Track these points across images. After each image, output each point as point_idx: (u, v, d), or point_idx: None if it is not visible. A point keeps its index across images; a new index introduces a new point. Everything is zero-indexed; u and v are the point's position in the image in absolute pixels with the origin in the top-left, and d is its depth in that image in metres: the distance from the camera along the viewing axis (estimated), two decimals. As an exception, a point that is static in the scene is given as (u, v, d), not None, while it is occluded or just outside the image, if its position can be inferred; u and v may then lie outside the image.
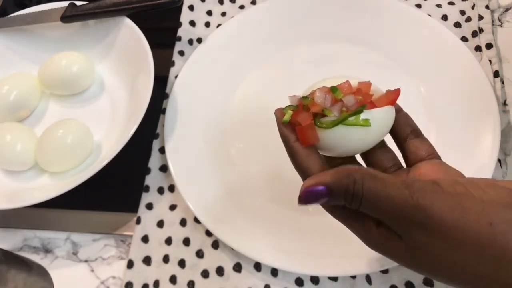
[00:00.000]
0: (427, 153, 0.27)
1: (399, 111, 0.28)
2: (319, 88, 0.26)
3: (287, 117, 0.27)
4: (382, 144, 0.29)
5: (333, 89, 0.26)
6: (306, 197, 0.25)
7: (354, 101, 0.26)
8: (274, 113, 0.28)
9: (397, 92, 0.27)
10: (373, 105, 0.26)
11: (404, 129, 0.28)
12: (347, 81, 0.27)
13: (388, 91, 0.27)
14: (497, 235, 0.20)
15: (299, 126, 0.26)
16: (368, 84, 0.27)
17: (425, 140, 0.28)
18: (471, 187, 0.22)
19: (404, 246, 0.23)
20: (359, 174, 0.23)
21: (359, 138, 0.26)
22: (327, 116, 0.26)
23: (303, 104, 0.27)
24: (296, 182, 0.41)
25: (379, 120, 0.26)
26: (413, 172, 0.27)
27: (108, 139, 0.45)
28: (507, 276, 0.21)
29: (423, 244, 0.22)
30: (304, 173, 0.27)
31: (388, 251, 0.25)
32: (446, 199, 0.21)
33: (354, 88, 0.27)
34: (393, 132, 0.28)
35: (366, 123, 0.25)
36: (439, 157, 0.28)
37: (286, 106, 0.27)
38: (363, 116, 0.25)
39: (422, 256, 0.23)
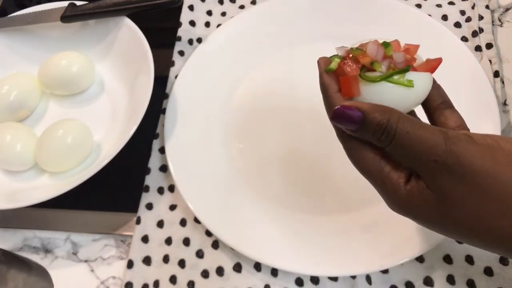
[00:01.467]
0: (456, 124, 0.27)
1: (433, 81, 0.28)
2: (371, 41, 0.26)
3: (334, 64, 0.27)
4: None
5: (385, 44, 0.26)
6: (338, 114, 0.25)
7: (403, 58, 0.26)
8: (318, 61, 0.28)
9: (438, 60, 0.27)
10: (414, 69, 0.26)
11: (435, 99, 0.28)
12: (396, 40, 0.27)
13: (429, 59, 0.27)
14: None
15: (343, 76, 0.26)
16: (416, 46, 0.27)
17: (455, 112, 0.28)
18: (501, 141, 0.22)
19: (430, 197, 0.23)
20: (396, 113, 0.24)
21: (399, 98, 0.26)
22: (373, 70, 0.26)
23: (351, 56, 0.26)
24: (296, 182, 0.41)
25: (420, 84, 0.26)
26: None
27: (108, 139, 0.45)
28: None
29: (452, 190, 0.22)
30: None
31: (413, 206, 0.24)
32: (478, 148, 0.22)
33: (403, 47, 0.27)
34: (424, 101, 0.28)
35: (410, 84, 0.25)
36: (468, 129, 0.27)
37: (333, 55, 0.27)
38: (407, 76, 0.25)
39: (450, 206, 0.22)
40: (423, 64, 0.27)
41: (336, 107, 0.25)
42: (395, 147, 0.24)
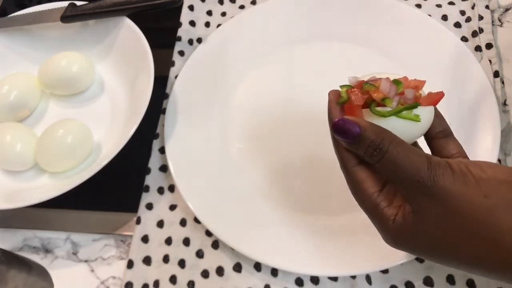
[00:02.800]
0: (453, 152, 0.29)
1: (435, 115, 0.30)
2: (383, 78, 0.28)
3: (344, 96, 0.28)
4: (447, 133, 0.30)
5: (396, 82, 0.28)
6: (338, 126, 0.27)
7: (413, 95, 0.27)
8: (328, 94, 0.30)
9: (440, 94, 0.28)
10: (419, 100, 0.28)
11: (435, 128, 0.29)
12: (405, 77, 0.28)
13: (430, 93, 0.28)
14: (491, 206, 0.23)
15: (348, 104, 0.28)
16: (423, 82, 0.28)
17: (453, 140, 0.29)
18: (471, 167, 0.24)
19: (412, 221, 0.25)
20: (390, 135, 0.26)
21: (405, 130, 0.27)
22: (383, 106, 0.27)
23: (362, 88, 0.28)
24: (296, 182, 0.41)
25: (425, 117, 0.27)
26: None
27: (108, 139, 0.45)
28: (497, 246, 0.23)
29: (428, 210, 0.24)
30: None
31: (400, 231, 0.26)
32: (452, 174, 0.24)
33: (411, 84, 0.28)
34: None
35: (417, 119, 0.27)
36: (466, 157, 0.29)
37: (344, 85, 0.29)
38: (415, 111, 0.27)
39: (420, 221, 0.25)
40: (426, 97, 0.28)
41: (337, 119, 0.27)
42: (385, 165, 0.26)
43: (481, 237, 0.23)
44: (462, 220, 0.24)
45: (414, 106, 0.27)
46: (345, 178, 0.29)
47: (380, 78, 0.28)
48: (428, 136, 0.30)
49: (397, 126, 0.27)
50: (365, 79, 0.29)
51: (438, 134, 0.29)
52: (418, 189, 0.25)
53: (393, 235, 0.26)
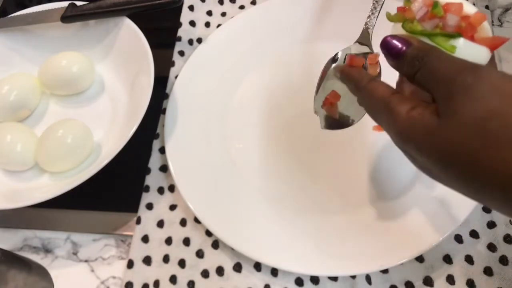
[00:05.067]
0: None
1: (491, 59, 0.27)
2: None
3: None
4: None
5: (435, 6, 0.26)
6: (385, 43, 0.26)
7: (455, 23, 0.25)
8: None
9: (503, 40, 0.26)
10: (471, 39, 0.26)
11: None
12: (460, 3, 0.26)
13: (495, 36, 0.26)
14: None
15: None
16: (482, 17, 0.26)
17: None
18: None
19: (432, 121, 0.23)
20: (436, 49, 0.25)
21: None
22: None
23: (404, 6, 0.27)
24: (296, 182, 0.41)
25: (467, 54, 0.25)
26: None
27: (108, 139, 0.45)
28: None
29: (462, 108, 0.22)
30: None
31: (411, 130, 0.24)
32: (502, 73, 0.22)
33: (465, 13, 0.26)
34: None
35: (452, 50, 0.25)
36: None
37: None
38: (457, 43, 0.25)
39: (448, 123, 0.22)
40: (486, 38, 0.26)
41: (386, 36, 0.27)
42: (424, 71, 0.24)
43: (509, 147, 0.20)
44: (497, 122, 0.20)
45: (453, 35, 0.25)
46: (360, 99, 0.29)
47: None
48: None
49: None
50: None
51: None
52: (454, 87, 0.22)
53: (405, 126, 0.24)
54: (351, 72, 0.30)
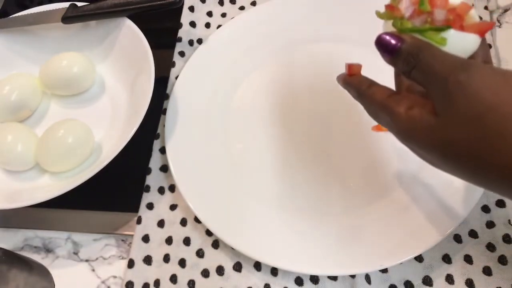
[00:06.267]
0: None
1: (482, 44, 0.28)
2: None
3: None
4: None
5: (420, 2, 0.26)
6: (380, 41, 0.27)
7: (444, 17, 0.26)
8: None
9: (490, 24, 0.27)
10: (461, 28, 0.26)
11: (476, 58, 0.28)
12: None
13: (481, 22, 0.27)
14: None
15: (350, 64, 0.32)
16: (467, 7, 0.27)
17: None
18: None
19: (431, 120, 0.24)
20: (429, 46, 0.26)
21: None
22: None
23: (392, 4, 0.28)
24: (296, 182, 0.42)
25: (459, 44, 0.26)
26: None
27: (109, 139, 0.45)
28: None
29: (457, 106, 0.23)
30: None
31: (412, 129, 0.26)
32: (492, 71, 0.23)
33: (451, 5, 0.27)
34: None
35: (442, 42, 0.26)
36: None
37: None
38: (448, 34, 0.26)
39: (445, 121, 0.24)
40: (474, 24, 0.26)
41: (380, 34, 0.28)
42: (419, 69, 0.25)
43: (506, 136, 0.22)
44: (491, 116, 0.22)
45: (441, 28, 0.26)
46: (362, 103, 0.30)
47: None
48: None
49: None
50: None
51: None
52: (449, 86, 0.23)
53: (406, 126, 0.26)
54: (351, 81, 0.31)
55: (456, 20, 0.26)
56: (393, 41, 0.27)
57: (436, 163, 0.26)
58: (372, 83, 0.30)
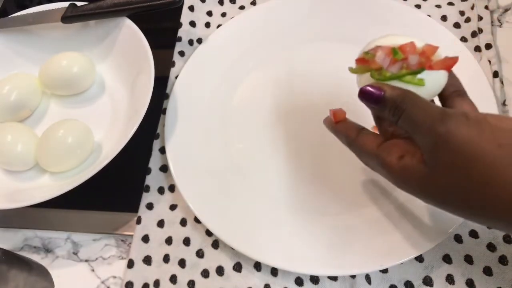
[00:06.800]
0: (468, 109, 0.29)
1: (451, 77, 0.31)
2: (381, 47, 0.30)
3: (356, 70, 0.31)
4: (461, 93, 0.31)
5: (394, 52, 0.29)
6: (364, 93, 0.29)
7: (417, 61, 0.28)
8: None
9: (454, 60, 0.29)
10: (430, 68, 0.29)
11: (449, 89, 0.30)
12: (412, 42, 0.29)
13: (446, 57, 0.29)
14: (505, 155, 0.24)
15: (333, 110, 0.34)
16: (435, 48, 0.29)
17: (466, 99, 0.30)
18: (489, 117, 0.25)
19: (423, 169, 0.27)
20: (411, 94, 0.28)
21: None
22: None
23: (364, 58, 0.30)
24: (296, 182, 0.42)
25: (433, 82, 0.29)
26: None
27: (109, 139, 0.45)
28: (504, 192, 0.24)
29: (442, 157, 0.26)
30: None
31: (407, 178, 0.28)
32: (467, 122, 0.25)
33: (419, 50, 0.29)
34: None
35: (421, 83, 0.28)
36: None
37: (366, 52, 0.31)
38: (419, 76, 0.28)
39: (439, 174, 0.26)
40: (440, 61, 0.29)
41: (362, 87, 0.30)
42: (404, 120, 0.27)
43: (492, 185, 0.24)
44: (475, 167, 0.24)
45: (417, 71, 0.28)
46: (353, 151, 0.33)
47: (379, 47, 0.29)
48: (443, 97, 0.31)
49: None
50: (371, 46, 0.30)
51: (452, 94, 0.30)
52: (433, 139, 0.26)
53: (399, 176, 0.28)
54: (339, 129, 0.34)
55: (426, 61, 0.29)
56: (376, 91, 0.29)
57: (435, 206, 0.28)
58: (359, 130, 0.32)
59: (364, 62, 0.30)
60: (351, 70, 0.31)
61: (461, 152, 0.25)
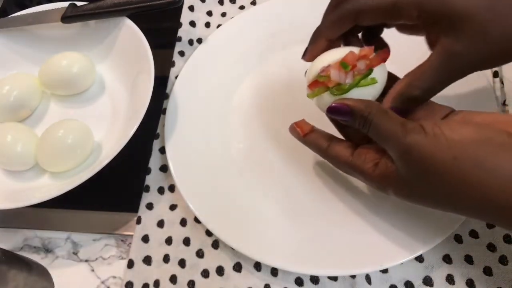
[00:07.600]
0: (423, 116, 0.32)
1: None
2: (331, 65, 0.32)
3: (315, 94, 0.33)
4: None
5: (344, 65, 0.31)
6: (334, 110, 0.31)
7: (364, 65, 0.31)
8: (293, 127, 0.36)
9: (386, 51, 0.32)
10: (372, 66, 0.31)
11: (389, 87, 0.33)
12: (351, 51, 0.32)
13: (379, 51, 0.32)
14: (460, 167, 0.26)
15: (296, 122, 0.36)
16: (371, 49, 0.32)
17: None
18: (445, 128, 0.27)
19: (398, 176, 0.29)
20: (374, 107, 0.30)
21: (369, 94, 0.32)
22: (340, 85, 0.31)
23: (318, 81, 0.32)
24: (296, 182, 0.42)
25: (380, 76, 0.32)
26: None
27: (109, 139, 0.45)
28: (459, 200, 0.27)
29: (406, 169, 0.28)
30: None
31: (387, 184, 0.30)
32: (425, 137, 0.27)
33: (357, 55, 0.31)
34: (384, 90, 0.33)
35: (374, 81, 0.31)
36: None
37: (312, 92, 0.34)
38: (370, 77, 0.31)
39: (402, 179, 0.29)
40: (376, 58, 0.32)
41: (330, 105, 0.32)
42: (372, 133, 0.30)
43: (455, 193, 0.27)
44: (437, 179, 0.27)
45: (368, 73, 0.31)
46: (326, 160, 0.35)
47: (329, 66, 0.31)
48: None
49: (361, 94, 0.31)
50: (318, 68, 0.33)
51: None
52: (398, 153, 0.28)
53: (377, 181, 0.31)
54: (309, 141, 0.35)
55: (370, 62, 0.31)
56: (343, 106, 0.31)
57: (420, 205, 0.30)
58: (329, 140, 0.34)
59: (320, 84, 0.32)
60: (310, 96, 0.33)
61: (424, 163, 0.27)
